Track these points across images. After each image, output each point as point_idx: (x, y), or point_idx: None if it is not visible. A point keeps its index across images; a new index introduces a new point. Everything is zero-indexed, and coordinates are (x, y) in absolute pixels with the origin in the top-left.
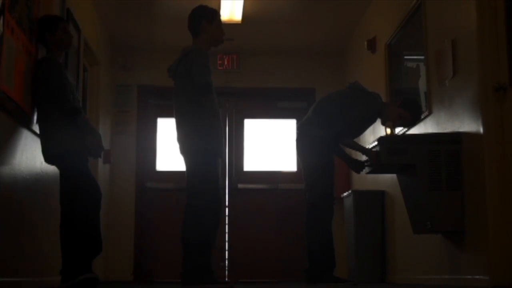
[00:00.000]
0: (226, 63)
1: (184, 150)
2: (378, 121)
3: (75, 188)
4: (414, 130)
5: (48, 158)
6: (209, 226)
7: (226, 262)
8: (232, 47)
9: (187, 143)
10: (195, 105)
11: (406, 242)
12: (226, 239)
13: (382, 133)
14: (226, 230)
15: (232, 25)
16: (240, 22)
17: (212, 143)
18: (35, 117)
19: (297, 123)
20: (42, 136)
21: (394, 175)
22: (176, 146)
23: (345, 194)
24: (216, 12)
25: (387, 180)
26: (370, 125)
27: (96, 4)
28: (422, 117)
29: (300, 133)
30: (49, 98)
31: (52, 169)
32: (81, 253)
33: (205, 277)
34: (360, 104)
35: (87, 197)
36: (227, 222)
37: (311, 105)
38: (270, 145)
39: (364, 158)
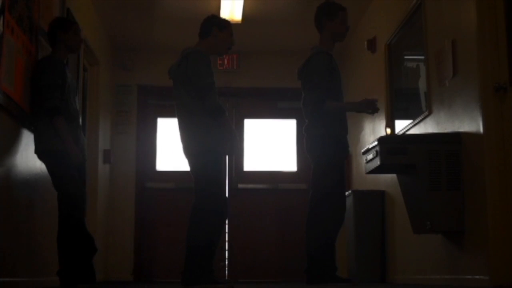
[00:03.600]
0: (226, 63)
1: (188, 151)
2: (378, 122)
3: (59, 188)
4: (414, 130)
5: (37, 155)
6: (215, 228)
7: (226, 262)
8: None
9: (191, 144)
10: (196, 105)
11: (406, 242)
12: (226, 239)
13: (382, 133)
14: (226, 230)
15: (232, 26)
16: (240, 22)
17: (214, 143)
18: None
19: (297, 123)
20: (34, 132)
21: (394, 175)
22: (178, 146)
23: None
24: (228, 23)
25: (387, 180)
26: (338, 74)
27: (96, 4)
28: (422, 117)
29: (306, 135)
30: (36, 94)
31: None
32: (75, 253)
33: (205, 277)
34: (313, 68)
35: (69, 197)
36: (227, 222)
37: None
38: (270, 145)
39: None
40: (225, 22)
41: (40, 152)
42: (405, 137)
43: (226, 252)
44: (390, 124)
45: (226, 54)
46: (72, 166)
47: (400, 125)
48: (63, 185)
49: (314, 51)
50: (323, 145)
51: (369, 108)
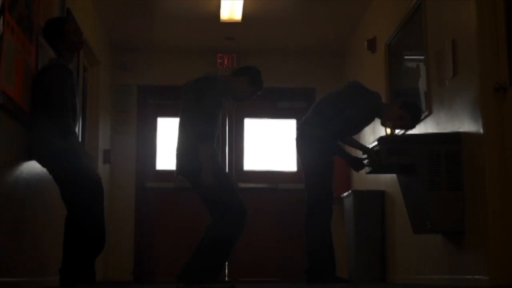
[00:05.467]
0: (226, 63)
1: (185, 172)
2: (378, 121)
3: (73, 187)
4: (414, 130)
5: (38, 159)
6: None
7: (226, 262)
8: (232, 47)
9: (186, 163)
10: (190, 126)
11: (406, 242)
12: None
13: (382, 133)
14: None
15: (232, 25)
16: (240, 22)
17: (191, 165)
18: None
19: (297, 123)
20: (32, 135)
21: (394, 175)
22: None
23: (345, 194)
24: (261, 87)
25: (387, 180)
26: (368, 123)
27: (96, 4)
28: (422, 117)
29: (300, 133)
30: (47, 111)
31: None
32: (83, 252)
33: (205, 277)
34: (358, 102)
35: (87, 193)
36: None
37: (311, 105)
38: (270, 145)
39: (364, 156)
40: (259, 83)
41: (41, 155)
42: (405, 137)
43: None
44: (390, 125)
45: (235, 101)
46: (80, 160)
47: None
48: (77, 182)
49: (374, 95)
50: (322, 147)
51: (375, 160)
